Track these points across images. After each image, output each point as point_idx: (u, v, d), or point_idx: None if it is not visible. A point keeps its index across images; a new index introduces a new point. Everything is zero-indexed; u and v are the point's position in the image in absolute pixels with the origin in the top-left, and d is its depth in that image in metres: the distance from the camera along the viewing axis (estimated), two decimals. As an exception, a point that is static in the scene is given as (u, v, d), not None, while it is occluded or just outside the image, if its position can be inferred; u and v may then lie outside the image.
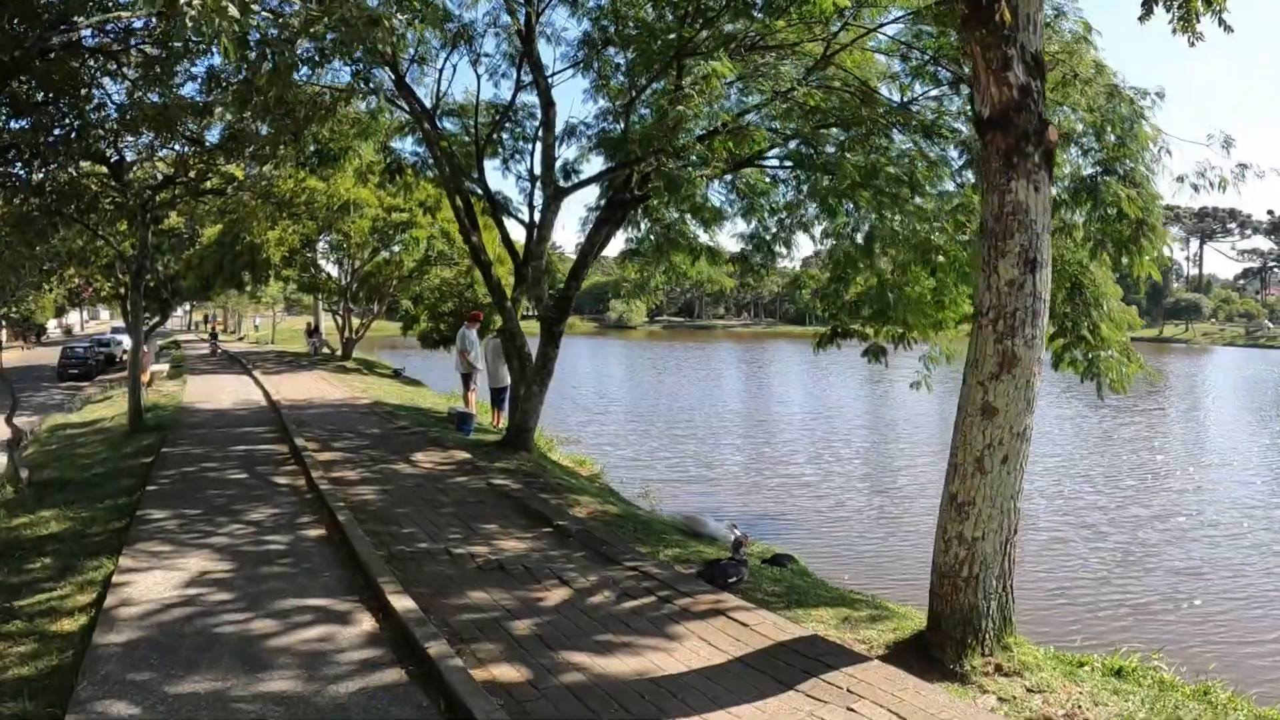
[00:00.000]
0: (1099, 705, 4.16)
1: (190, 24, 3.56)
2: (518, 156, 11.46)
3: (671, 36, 9.00)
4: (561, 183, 10.41)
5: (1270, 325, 71.35)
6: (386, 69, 9.54)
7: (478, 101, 10.98)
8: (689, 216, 10.21)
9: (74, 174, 10.15)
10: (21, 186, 8.95)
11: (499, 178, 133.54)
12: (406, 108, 10.42)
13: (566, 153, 22.67)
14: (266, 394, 16.17)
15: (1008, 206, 4.35)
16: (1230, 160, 7.29)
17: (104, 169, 10.75)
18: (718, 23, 8.70)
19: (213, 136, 10.59)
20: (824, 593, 6.06)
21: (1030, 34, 4.41)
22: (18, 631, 4.48)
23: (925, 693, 3.84)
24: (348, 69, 8.53)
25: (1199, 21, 4.99)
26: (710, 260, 10.24)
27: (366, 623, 4.53)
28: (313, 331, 33.68)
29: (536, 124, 10.93)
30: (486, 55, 10.91)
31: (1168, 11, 4.98)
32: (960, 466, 4.47)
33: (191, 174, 11.41)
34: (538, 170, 10.67)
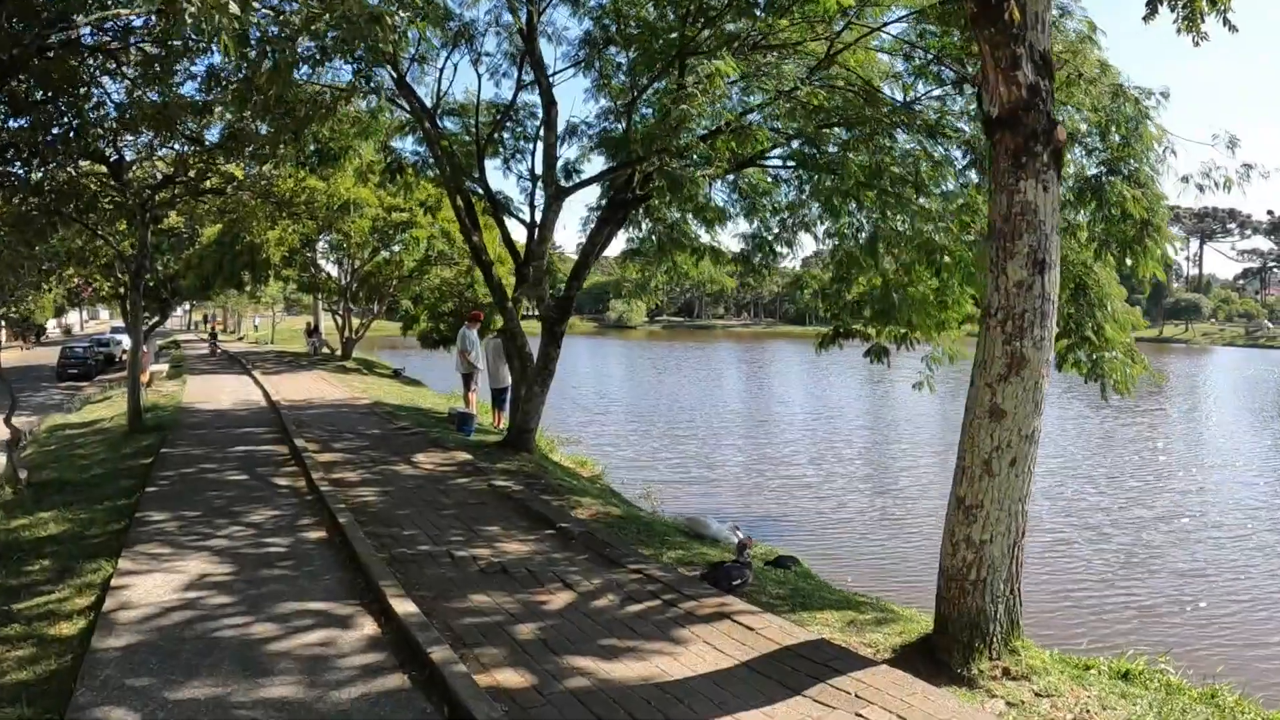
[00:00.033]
0: (1107, 710, 4.13)
1: (190, 21, 3.52)
2: (519, 156, 11.43)
3: (673, 36, 8.96)
4: (563, 182, 10.37)
5: (1270, 325, 71.34)
6: (388, 67, 9.49)
7: (479, 101, 10.94)
8: (690, 216, 10.19)
9: (73, 173, 10.11)
10: (20, 186, 8.91)
11: (500, 177, 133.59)
12: (407, 107, 10.38)
13: (567, 152, 22.62)
14: (266, 394, 16.12)
15: (1016, 207, 4.31)
16: (1235, 160, 7.26)
17: (103, 168, 10.71)
18: (719, 22, 8.66)
19: (212, 136, 10.57)
20: (828, 595, 6.01)
21: (1038, 33, 4.37)
22: (16, 635, 4.43)
23: (934, 698, 3.80)
24: (348, 68, 8.49)
25: (1203, 21, 4.96)
26: (714, 260, 10.20)
27: (368, 626, 4.49)
28: (312, 331, 33.63)
29: (537, 123, 10.90)
30: (487, 54, 10.89)
31: (1172, 11, 4.96)
32: (968, 469, 4.43)
33: (191, 173, 11.37)
34: (539, 170, 10.64)
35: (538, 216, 10.58)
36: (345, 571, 5.40)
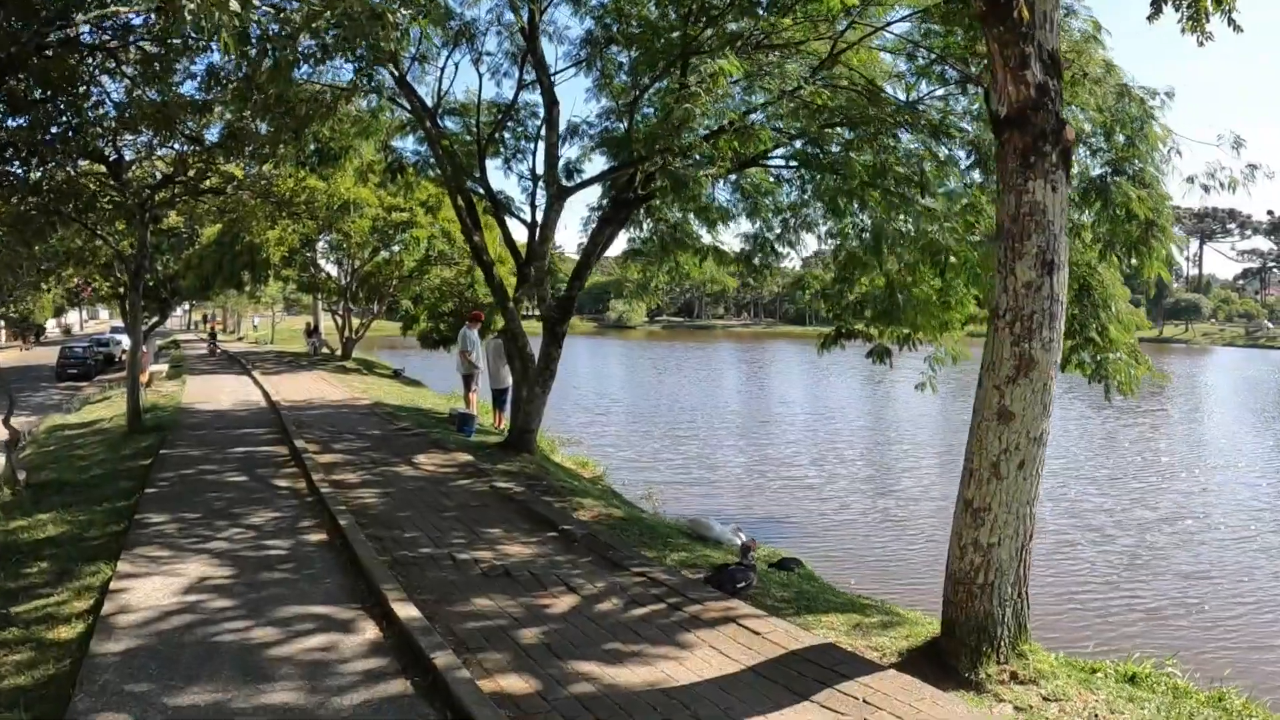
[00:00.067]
0: (1115, 714, 4.09)
1: (189, 18, 3.47)
2: (520, 156, 11.38)
3: (675, 35, 8.92)
4: (565, 182, 10.32)
5: (1270, 326, 71.34)
6: (389, 66, 9.45)
7: (480, 100, 10.90)
8: (692, 216, 10.15)
9: (72, 172, 10.07)
10: (19, 185, 8.87)
11: (501, 177, 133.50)
12: (408, 106, 10.33)
13: (569, 152, 22.56)
14: (266, 394, 16.07)
15: (1025, 207, 4.26)
16: (1240, 161, 7.23)
17: (102, 168, 10.66)
18: (722, 21, 8.61)
19: (212, 135, 10.52)
20: (833, 598, 5.97)
21: (1047, 32, 4.33)
22: (14, 639, 4.39)
23: (942, 703, 3.76)
24: (349, 66, 8.45)
25: (1208, 21, 4.92)
26: (717, 260, 10.15)
27: (370, 631, 4.44)
28: (312, 331, 33.58)
29: (538, 123, 10.86)
30: (488, 54, 10.84)
31: (1176, 11, 4.92)
32: (976, 472, 4.39)
33: (191, 173, 11.32)
34: (540, 170, 10.60)
35: (539, 216, 10.54)
36: (346, 575, 5.35)
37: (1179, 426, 23.00)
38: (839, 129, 8.52)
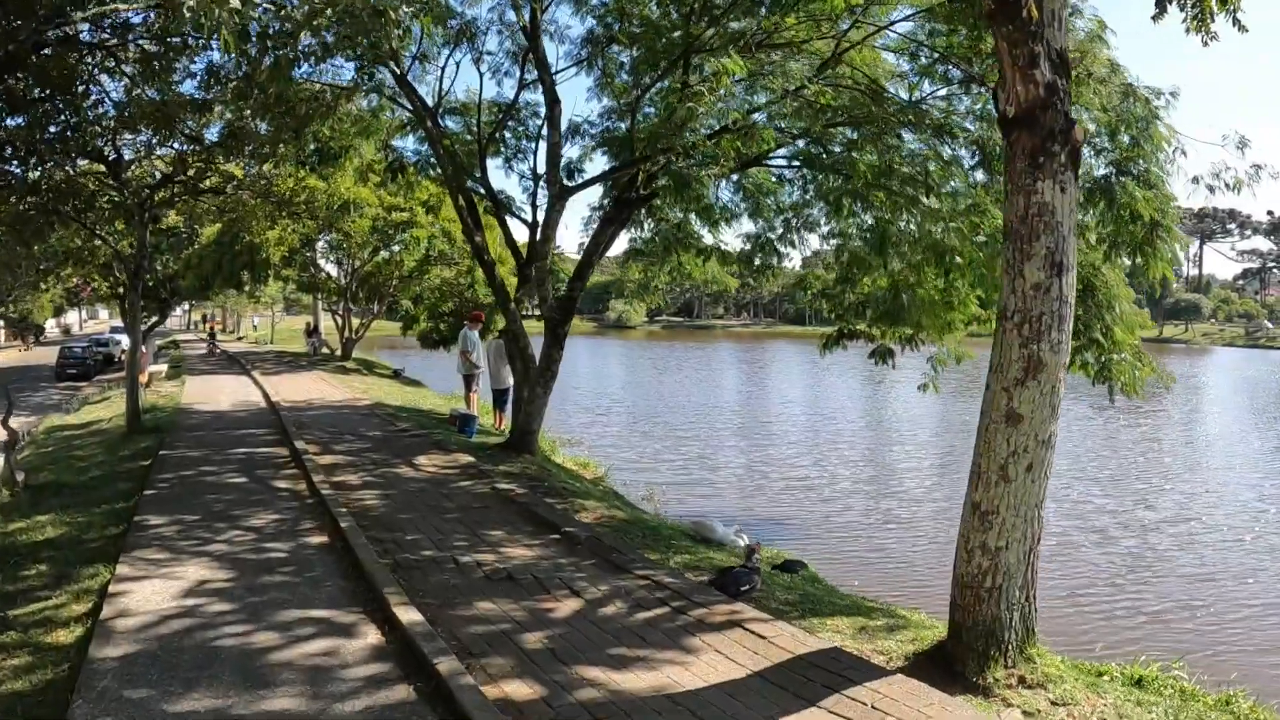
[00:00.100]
0: (1124, 718, 4.06)
1: (189, 15, 3.43)
2: (521, 155, 11.33)
3: (677, 34, 8.87)
4: (566, 182, 10.28)
5: (1270, 326, 71.34)
6: (390, 64, 9.40)
7: (480, 100, 10.85)
8: (694, 216, 10.10)
9: (71, 172, 10.03)
10: (18, 185, 8.83)
11: (501, 177, 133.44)
12: (408, 106, 10.28)
13: (570, 151, 22.55)
14: (266, 395, 16.02)
15: (1033, 208, 4.22)
16: (1245, 161, 7.19)
17: (101, 167, 10.61)
18: (724, 20, 8.57)
19: (212, 134, 10.48)
20: (838, 601, 5.93)
21: (1055, 30, 4.29)
22: (12, 643, 4.35)
23: (951, 708, 3.72)
24: (349, 66, 8.41)
25: (1213, 21, 4.88)
26: (721, 261, 10.11)
27: (372, 635, 4.40)
28: (312, 331, 33.54)
29: (539, 122, 10.81)
30: (489, 53, 10.78)
31: (1181, 10, 4.87)
32: (984, 474, 4.35)
33: (190, 172, 11.27)
34: (541, 169, 10.55)
35: (540, 216, 10.50)
36: (347, 578, 5.31)
37: (1180, 427, 22.96)
38: (842, 129, 8.49)
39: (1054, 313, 4.22)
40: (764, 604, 5.18)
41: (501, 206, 10.93)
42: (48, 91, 7.66)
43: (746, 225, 21.44)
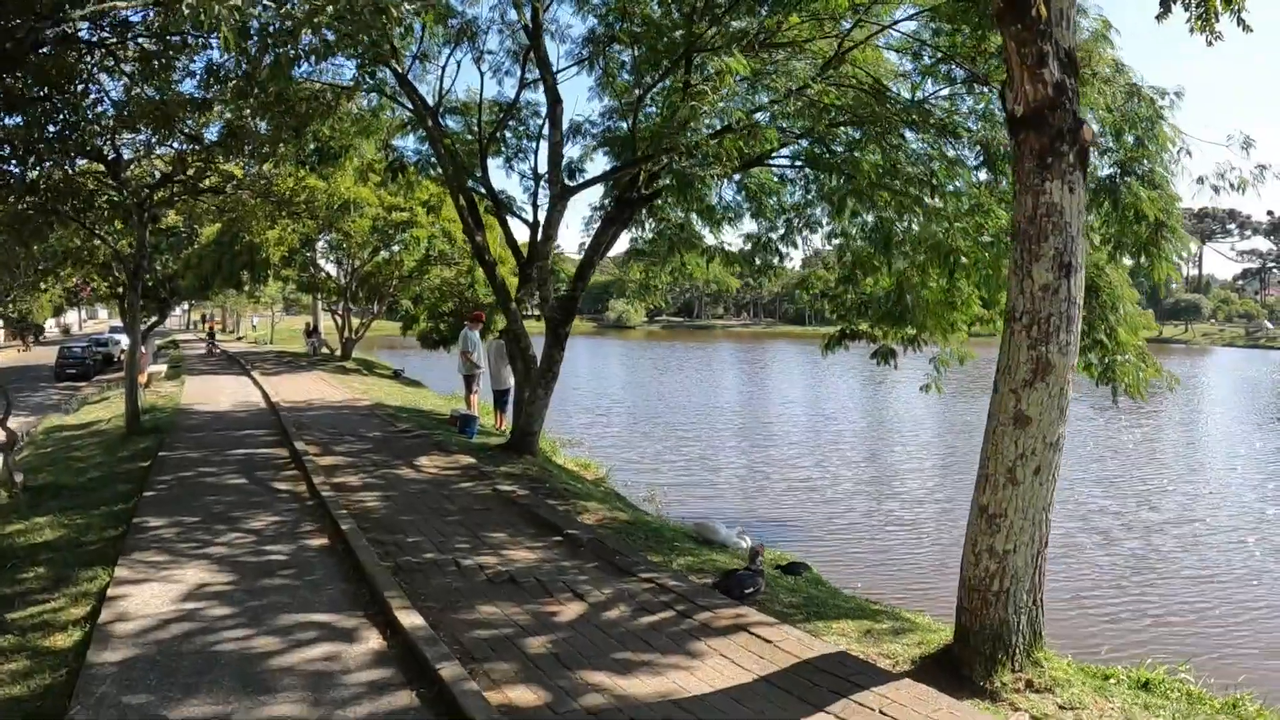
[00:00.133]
0: (1132, 722, 4.02)
1: (188, 12, 3.38)
2: (521, 155, 11.32)
3: (679, 34, 8.83)
4: (567, 181, 10.24)
5: (1270, 326, 71.33)
6: (391, 63, 9.36)
7: (481, 99, 10.82)
8: (695, 216, 10.06)
9: (70, 171, 9.98)
10: (16, 184, 8.78)
11: (502, 176, 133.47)
12: (409, 105, 10.25)
13: (571, 151, 22.56)
14: (265, 395, 15.98)
15: (1042, 208, 4.18)
16: (1250, 161, 7.15)
17: (100, 166, 10.57)
18: (726, 19, 8.53)
19: (211, 134, 10.43)
20: (843, 603, 5.89)
21: (1064, 29, 4.24)
22: (10, 647, 4.31)
23: (959, 713, 3.68)
24: (350, 65, 8.36)
25: (1218, 21, 4.84)
26: (724, 261, 10.07)
27: (373, 640, 4.35)
28: (312, 331, 33.49)
29: (540, 122, 10.79)
30: (490, 52, 10.76)
31: (1185, 10, 4.84)
32: (991, 477, 4.30)
33: (190, 172, 11.23)
34: (542, 169, 10.52)
35: (541, 216, 10.47)
36: (348, 581, 5.26)
37: (1181, 428, 22.93)
38: (845, 128, 8.45)
39: (1062, 314, 4.17)
40: (768, 607, 5.13)
41: (502, 206, 10.89)
42: (46, 90, 7.62)
43: (748, 225, 21.39)
